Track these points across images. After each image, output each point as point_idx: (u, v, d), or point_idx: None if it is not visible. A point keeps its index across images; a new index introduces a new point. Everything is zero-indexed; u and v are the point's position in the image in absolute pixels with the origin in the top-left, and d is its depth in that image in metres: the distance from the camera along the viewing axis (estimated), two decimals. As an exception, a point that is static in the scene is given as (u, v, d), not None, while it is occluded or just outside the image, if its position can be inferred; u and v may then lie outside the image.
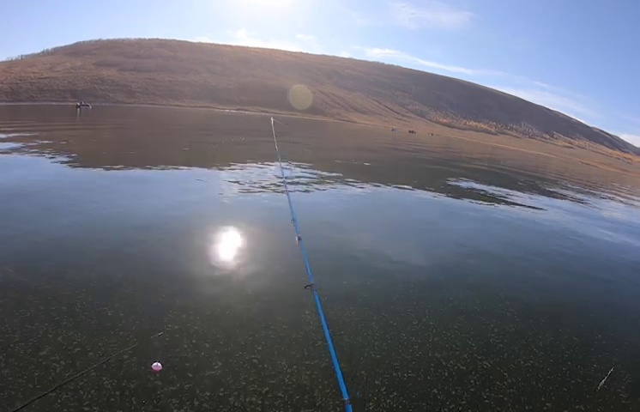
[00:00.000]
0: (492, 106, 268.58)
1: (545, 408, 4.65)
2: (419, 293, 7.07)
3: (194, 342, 4.98)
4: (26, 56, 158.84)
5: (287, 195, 10.18)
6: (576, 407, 4.75)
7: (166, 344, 4.87)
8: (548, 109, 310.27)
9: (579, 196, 26.33)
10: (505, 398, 4.69)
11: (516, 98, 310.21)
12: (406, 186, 18.81)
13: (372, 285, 7.18)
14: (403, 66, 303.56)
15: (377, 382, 4.64)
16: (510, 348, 5.71)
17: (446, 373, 4.96)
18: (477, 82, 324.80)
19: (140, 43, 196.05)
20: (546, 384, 5.03)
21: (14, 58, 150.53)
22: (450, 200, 17.13)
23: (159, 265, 7.07)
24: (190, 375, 4.41)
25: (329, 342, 3.89)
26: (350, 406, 3.27)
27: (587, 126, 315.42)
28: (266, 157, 21.64)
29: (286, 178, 14.02)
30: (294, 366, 4.74)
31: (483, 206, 16.92)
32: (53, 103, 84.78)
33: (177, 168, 17.02)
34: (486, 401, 4.61)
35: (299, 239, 6.46)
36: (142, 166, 16.62)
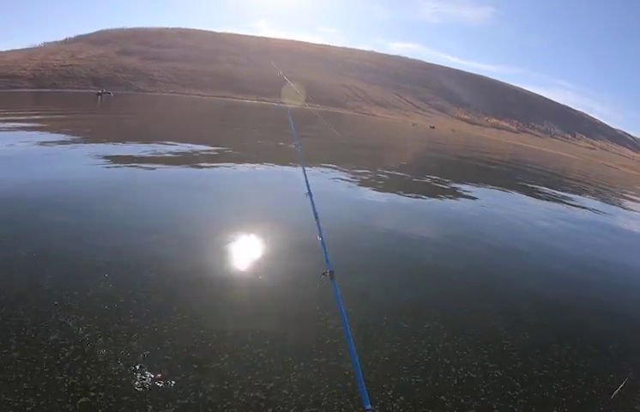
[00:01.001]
0: (514, 103, 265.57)
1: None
2: (433, 295, 7.00)
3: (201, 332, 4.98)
4: (48, 43, 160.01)
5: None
6: None
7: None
8: (571, 108, 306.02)
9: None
10: (516, 409, 4.57)
11: (539, 96, 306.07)
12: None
13: (387, 282, 7.12)
14: (425, 60, 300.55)
15: (384, 385, 4.57)
16: (525, 357, 5.57)
17: (455, 380, 4.86)
18: (499, 79, 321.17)
19: (162, 32, 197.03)
20: (560, 396, 4.89)
21: (36, 46, 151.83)
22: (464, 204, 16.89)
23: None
24: (196, 366, 4.41)
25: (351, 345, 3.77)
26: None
27: (610, 127, 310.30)
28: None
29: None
30: (302, 364, 4.71)
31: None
32: (75, 90, 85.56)
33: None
34: (496, 411, 4.50)
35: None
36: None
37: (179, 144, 19.87)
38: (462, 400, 4.57)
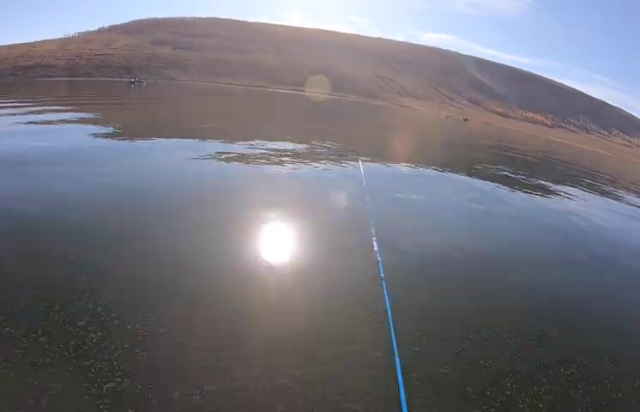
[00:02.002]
0: (548, 97, 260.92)
1: (580, 416, 4.48)
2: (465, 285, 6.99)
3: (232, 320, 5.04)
4: (82, 33, 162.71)
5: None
6: None
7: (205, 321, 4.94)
8: (608, 104, 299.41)
9: None
10: (540, 405, 4.52)
11: (575, 90, 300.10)
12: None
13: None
14: (459, 52, 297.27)
15: (412, 375, 4.56)
16: (552, 354, 5.51)
17: (483, 372, 4.84)
18: (534, 72, 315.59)
19: (195, 22, 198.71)
20: (585, 396, 4.81)
21: (70, 35, 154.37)
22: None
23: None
24: (225, 354, 4.46)
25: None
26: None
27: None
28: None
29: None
30: (331, 353, 4.73)
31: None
32: (109, 79, 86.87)
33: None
34: (521, 406, 4.46)
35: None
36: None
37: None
38: (488, 392, 4.55)
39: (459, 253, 8.58)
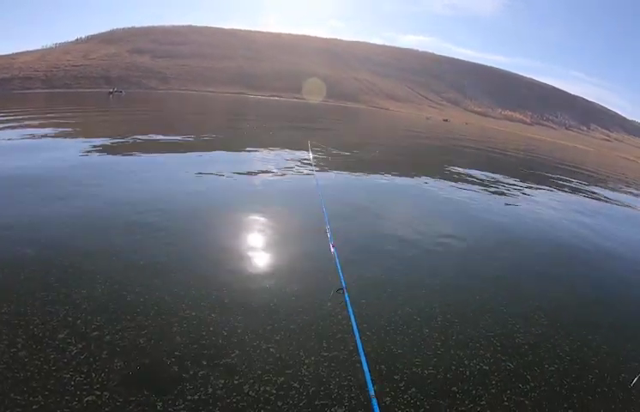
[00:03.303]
0: (527, 95, 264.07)
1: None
2: (446, 288, 6.96)
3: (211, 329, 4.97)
4: (60, 44, 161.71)
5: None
6: None
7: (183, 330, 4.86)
8: (586, 100, 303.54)
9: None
10: (527, 402, 4.52)
11: (553, 87, 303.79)
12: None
13: (399, 277, 7.08)
14: (437, 53, 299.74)
15: (396, 377, 4.54)
16: (536, 350, 5.51)
17: (467, 372, 4.81)
18: (512, 71, 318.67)
19: (174, 30, 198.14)
20: (571, 391, 4.83)
21: (48, 46, 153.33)
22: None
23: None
24: (205, 363, 4.39)
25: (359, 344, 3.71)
26: (375, 400, 3.16)
27: (626, 119, 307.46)
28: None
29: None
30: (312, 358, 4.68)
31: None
32: (88, 90, 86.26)
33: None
34: (506, 403, 4.46)
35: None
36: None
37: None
38: (474, 391, 4.53)
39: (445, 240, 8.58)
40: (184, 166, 14.34)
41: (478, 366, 4.96)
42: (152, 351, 4.47)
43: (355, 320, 4.54)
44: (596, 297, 7.78)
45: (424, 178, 17.52)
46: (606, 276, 9.10)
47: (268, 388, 4.14)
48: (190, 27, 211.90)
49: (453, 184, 17.16)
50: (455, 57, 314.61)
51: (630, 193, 25.97)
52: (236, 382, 4.17)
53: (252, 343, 4.77)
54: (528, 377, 4.94)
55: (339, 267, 5.92)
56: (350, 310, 4.72)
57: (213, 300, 5.55)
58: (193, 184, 11.94)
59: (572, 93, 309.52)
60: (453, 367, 4.88)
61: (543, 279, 8.18)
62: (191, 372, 4.23)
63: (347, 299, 4.97)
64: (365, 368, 3.74)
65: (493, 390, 4.61)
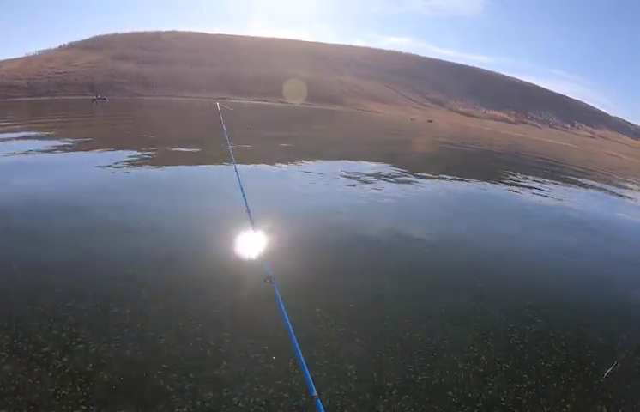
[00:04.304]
0: (511, 94, 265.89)
1: (564, 410, 4.46)
2: (436, 291, 6.91)
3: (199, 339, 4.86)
4: (43, 51, 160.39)
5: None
6: (598, 408, 4.57)
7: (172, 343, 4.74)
8: (569, 98, 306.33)
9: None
10: (524, 401, 4.49)
11: (536, 86, 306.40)
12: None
13: (388, 282, 7.01)
14: (420, 55, 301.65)
15: (388, 384, 4.46)
16: (531, 348, 5.46)
17: (462, 375, 4.75)
18: (495, 70, 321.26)
19: (158, 36, 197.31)
20: (568, 386, 4.81)
21: (31, 54, 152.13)
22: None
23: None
24: (192, 375, 4.27)
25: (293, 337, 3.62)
26: (319, 401, 3.10)
27: (608, 115, 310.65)
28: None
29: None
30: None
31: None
32: (71, 97, 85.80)
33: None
34: (504, 403, 4.42)
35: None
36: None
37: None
38: (470, 395, 4.47)
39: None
40: (179, 182, 14.22)
41: (473, 369, 4.91)
42: (138, 363, 4.36)
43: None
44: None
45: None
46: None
47: (258, 399, 4.04)
48: (173, 32, 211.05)
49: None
50: (438, 57, 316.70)
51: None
52: (225, 394, 4.07)
53: (240, 354, 4.67)
54: (525, 376, 4.90)
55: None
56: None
57: (200, 311, 5.43)
58: (186, 194, 11.81)
59: (556, 91, 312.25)
60: (447, 372, 4.80)
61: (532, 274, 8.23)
62: (178, 385, 4.12)
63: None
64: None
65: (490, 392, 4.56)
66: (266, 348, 4.78)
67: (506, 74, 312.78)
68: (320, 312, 5.64)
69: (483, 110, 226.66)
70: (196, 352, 4.62)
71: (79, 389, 3.92)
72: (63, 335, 4.68)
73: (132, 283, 5.99)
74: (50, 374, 4.08)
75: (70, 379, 4.03)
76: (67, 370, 4.14)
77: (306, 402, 4.02)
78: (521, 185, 20.24)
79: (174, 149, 20.54)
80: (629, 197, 23.65)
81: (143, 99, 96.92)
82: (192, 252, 7.40)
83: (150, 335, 4.83)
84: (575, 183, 25.99)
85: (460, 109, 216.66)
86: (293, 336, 3.43)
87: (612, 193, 24.08)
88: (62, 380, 4.01)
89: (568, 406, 4.50)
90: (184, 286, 6.06)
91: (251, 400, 4.03)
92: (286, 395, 4.14)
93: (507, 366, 5.04)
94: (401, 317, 5.82)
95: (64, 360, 4.28)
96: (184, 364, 4.40)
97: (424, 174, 19.25)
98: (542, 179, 23.74)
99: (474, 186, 18.80)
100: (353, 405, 4.10)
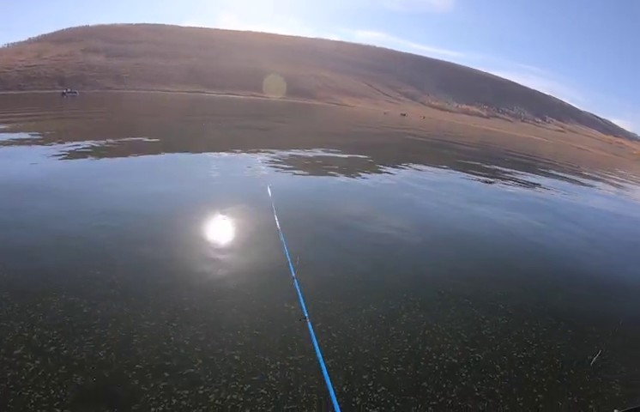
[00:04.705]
0: (483, 89, 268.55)
1: (537, 400, 4.55)
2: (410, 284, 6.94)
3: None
4: (12, 44, 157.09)
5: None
6: (569, 398, 4.66)
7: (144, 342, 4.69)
8: (540, 93, 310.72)
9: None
10: (497, 391, 4.58)
11: (508, 81, 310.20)
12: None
13: (361, 277, 7.03)
14: (394, 49, 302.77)
15: (364, 376, 4.50)
16: (503, 340, 5.56)
17: (437, 367, 4.82)
18: (468, 65, 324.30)
19: (128, 28, 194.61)
20: (539, 376, 4.93)
21: (0, 47, 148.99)
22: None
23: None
24: (168, 374, 4.24)
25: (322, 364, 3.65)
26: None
27: (578, 110, 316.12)
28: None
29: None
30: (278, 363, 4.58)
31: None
32: (42, 91, 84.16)
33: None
34: (477, 394, 4.50)
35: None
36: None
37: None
38: (444, 385, 4.54)
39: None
40: (139, 173, 14.05)
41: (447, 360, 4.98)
42: (112, 364, 4.31)
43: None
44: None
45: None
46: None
47: (234, 396, 4.05)
48: (144, 25, 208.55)
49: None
50: (412, 52, 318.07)
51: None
52: (201, 392, 4.06)
53: (215, 351, 4.65)
54: (497, 366, 4.99)
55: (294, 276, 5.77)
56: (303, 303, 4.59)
57: (172, 310, 5.38)
58: (154, 189, 11.66)
59: (527, 86, 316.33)
60: (422, 363, 4.86)
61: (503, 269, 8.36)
62: (153, 384, 4.09)
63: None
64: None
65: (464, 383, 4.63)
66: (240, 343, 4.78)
67: (479, 69, 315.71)
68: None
69: (456, 104, 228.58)
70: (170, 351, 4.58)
71: (52, 392, 3.87)
72: (34, 337, 4.60)
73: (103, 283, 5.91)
74: (22, 378, 4.02)
75: (44, 382, 3.97)
76: (40, 373, 4.08)
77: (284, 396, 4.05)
78: (484, 173, 20.60)
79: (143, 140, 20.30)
80: (596, 187, 24.31)
81: (114, 92, 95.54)
82: (165, 246, 7.33)
83: (123, 335, 4.77)
84: (543, 173, 26.56)
85: (433, 103, 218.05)
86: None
87: (578, 183, 24.76)
88: (35, 383, 3.95)
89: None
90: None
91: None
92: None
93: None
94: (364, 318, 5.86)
95: (37, 362, 4.22)
96: (159, 363, 4.36)
97: (380, 165, 19.49)
98: (510, 170, 24.18)
99: (435, 173, 19.06)
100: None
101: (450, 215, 12.37)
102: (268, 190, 8.56)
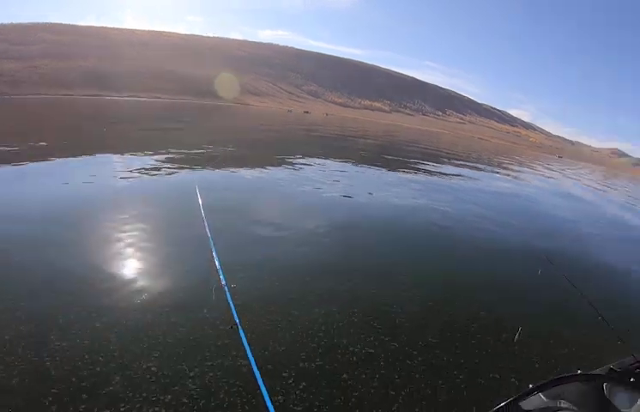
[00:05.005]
0: (385, 85, 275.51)
1: (458, 380, 4.81)
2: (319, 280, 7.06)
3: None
4: None
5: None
6: (490, 375, 4.98)
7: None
8: (440, 87, 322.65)
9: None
10: (417, 376, 4.78)
11: (409, 77, 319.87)
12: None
13: (271, 276, 7.07)
14: (297, 47, 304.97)
15: (284, 374, 4.57)
16: (417, 326, 5.79)
17: (354, 358, 4.96)
18: (370, 62, 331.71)
19: (22, 28, 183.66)
20: (457, 358, 5.20)
21: None
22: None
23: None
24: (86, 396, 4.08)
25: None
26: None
27: (477, 103, 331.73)
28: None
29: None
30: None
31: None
32: None
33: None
34: (397, 380, 4.67)
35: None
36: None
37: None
38: (364, 375, 4.67)
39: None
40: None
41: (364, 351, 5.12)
42: (25, 392, 4.07)
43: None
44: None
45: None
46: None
47: (157, 408, 3.97)
48: (38, 24, 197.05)
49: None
50: (314, 50, 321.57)
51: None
52: (122, 409, 3.94)
53: (132, 365, 4.52)
54: (415, 352, 5.18)
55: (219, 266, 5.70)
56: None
57: (82, 326, 5.15)
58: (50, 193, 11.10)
59: (427, 81, 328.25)
60: (339, 356, 4.98)
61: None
62: (72, 408, 3.92)
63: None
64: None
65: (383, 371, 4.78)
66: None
67: (381, 66, 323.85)
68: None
69: (359, 100, 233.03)
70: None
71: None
72: None
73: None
74: None
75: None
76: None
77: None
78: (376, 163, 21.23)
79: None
80: (495, 172, 25.85)
81: (8, 98, 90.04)
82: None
83: (35, 360, 4.52)
84: (444, 162, 27.85)
85: (336, 100, 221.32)
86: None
87: (475, 169, 26.20)
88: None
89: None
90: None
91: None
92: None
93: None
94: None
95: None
96: (76, 385, 4.19)
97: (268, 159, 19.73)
98: (413, 160, 25.04)
99: (340, 167, 19.47)
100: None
101: (357, 203, 12.70)
102: (197, 191, 8.42)
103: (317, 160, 21.45)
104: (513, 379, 4.96)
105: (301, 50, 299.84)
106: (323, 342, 5.20)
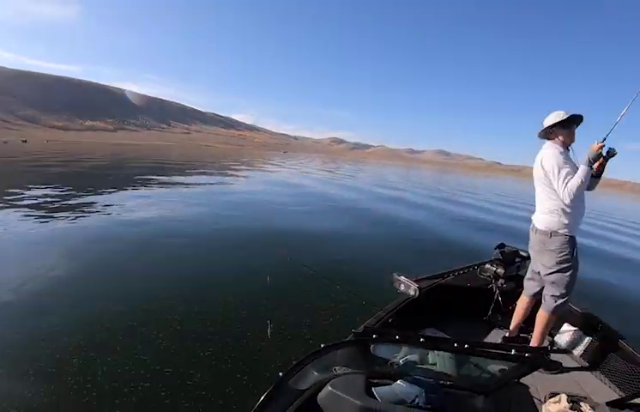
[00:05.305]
0: (106, 102, 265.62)
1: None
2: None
3: None
4: None
5: None
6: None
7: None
8: (164, 100, 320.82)
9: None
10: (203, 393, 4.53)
11: (130, 91, 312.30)
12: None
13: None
14: (7, 67, 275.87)
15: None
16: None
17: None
18: (87, 79, 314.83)
19: None
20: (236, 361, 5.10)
21: None
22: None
23: None
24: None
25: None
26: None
27: (201, 112, 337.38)
28: None
29: None
30: None
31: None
32: None
33: None
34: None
35: None
36: None
37: None
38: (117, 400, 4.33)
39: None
40: None
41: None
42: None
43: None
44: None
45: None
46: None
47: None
48: None
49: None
50: (29, 69, 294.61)
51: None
52: None
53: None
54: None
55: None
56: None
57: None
58: None
59: (150, 94, 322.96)
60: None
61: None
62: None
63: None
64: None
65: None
66: None
67: (102, 83, 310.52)
68: None
69: (80, 121, 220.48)
70: None
71: None
72: None
73: None
74: None
75: None
76: None
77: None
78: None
79: None
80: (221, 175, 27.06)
81: None
82: None
83: None
84: (174, 174, 28.14)
85: (56, 124, 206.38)
86: None
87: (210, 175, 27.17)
88: None
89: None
90: None
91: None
92: None
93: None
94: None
95: None
96: None
97: None
98: (142, 177, 24.74)
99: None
100: None
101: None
102: None
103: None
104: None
105: (14, 70, 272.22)
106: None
